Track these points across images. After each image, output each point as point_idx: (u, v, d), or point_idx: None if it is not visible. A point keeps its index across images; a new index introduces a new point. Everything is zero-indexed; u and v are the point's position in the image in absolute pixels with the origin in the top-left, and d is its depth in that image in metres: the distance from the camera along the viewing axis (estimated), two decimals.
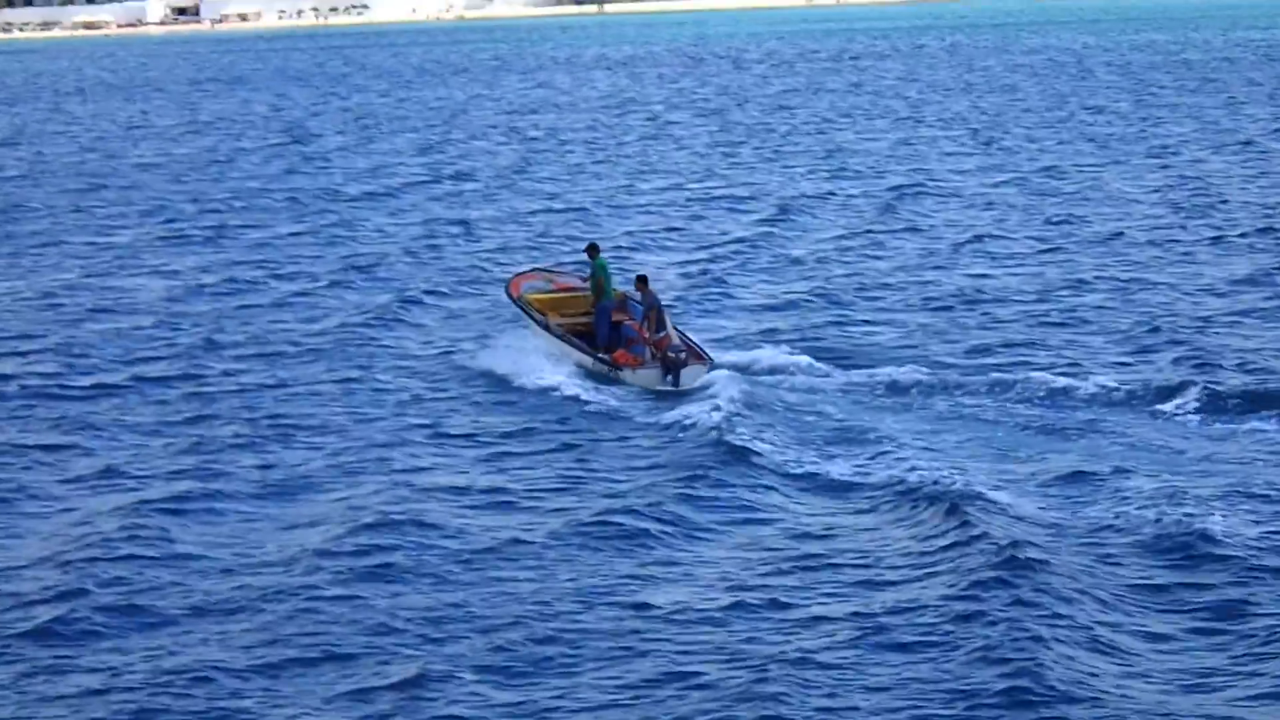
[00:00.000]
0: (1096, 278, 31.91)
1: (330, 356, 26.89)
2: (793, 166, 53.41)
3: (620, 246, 37.02)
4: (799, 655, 14.09)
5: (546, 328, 25.45)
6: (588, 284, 26.25)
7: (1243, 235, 36.30)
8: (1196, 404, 21.89)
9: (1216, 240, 35.89)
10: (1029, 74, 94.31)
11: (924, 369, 24.15)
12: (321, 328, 29.35)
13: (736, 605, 15.40)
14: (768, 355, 25.23)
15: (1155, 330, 26.86)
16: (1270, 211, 39.36)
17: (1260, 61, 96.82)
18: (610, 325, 25.03)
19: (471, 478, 19.90)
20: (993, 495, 18.08)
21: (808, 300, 30.75)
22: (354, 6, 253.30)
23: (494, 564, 16.74)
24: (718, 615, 15.17)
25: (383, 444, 21.38)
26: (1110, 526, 17.22)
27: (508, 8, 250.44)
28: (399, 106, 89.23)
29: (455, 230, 41.69)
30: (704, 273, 33.91)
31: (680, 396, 22.96)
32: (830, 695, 13.39)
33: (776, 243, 38.08)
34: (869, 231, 38.99)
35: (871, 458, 19.89)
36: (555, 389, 23.74)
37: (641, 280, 25.03)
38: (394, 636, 14.84)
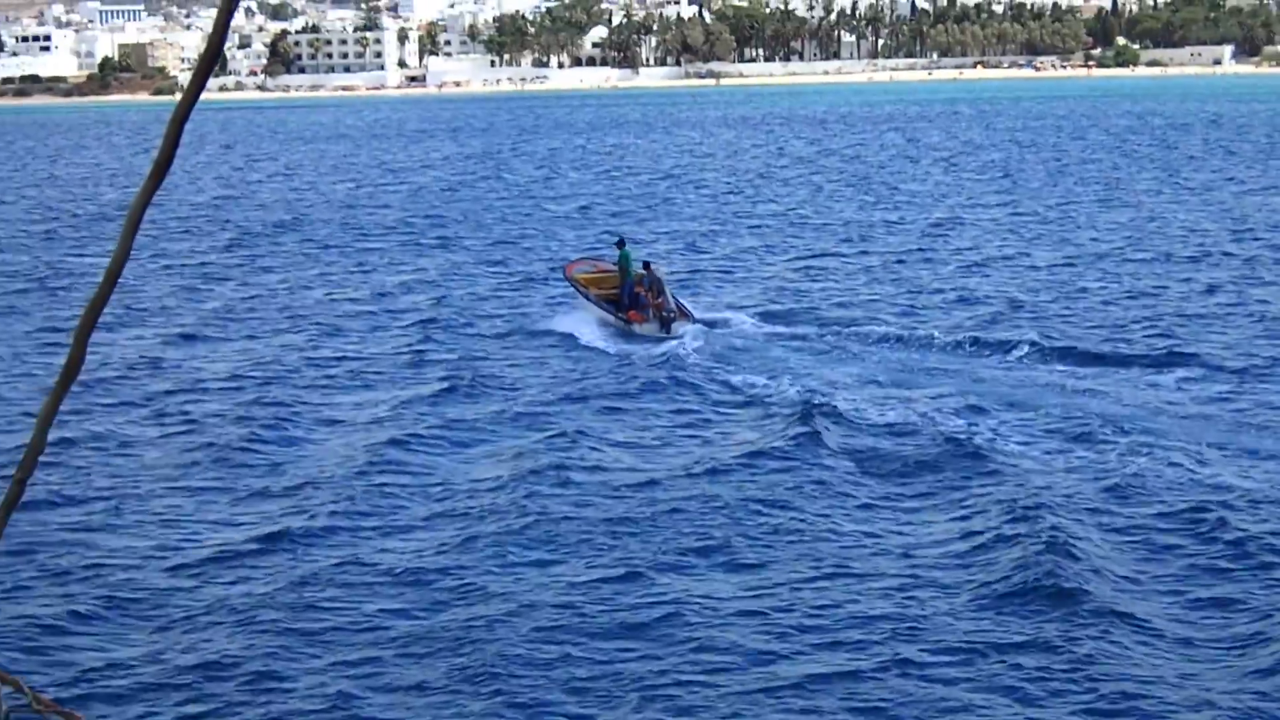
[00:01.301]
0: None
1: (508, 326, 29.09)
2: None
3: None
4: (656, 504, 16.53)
5: (588, 297, 28.33)
6: (617, 267, 28.84)
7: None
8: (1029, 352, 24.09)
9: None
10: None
11: (855, 329, 26.71)
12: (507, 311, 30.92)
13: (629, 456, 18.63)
14: (736, 316, 28.25)
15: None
16: None
17: None
18: (632, 295, 27.86)
19: (524, 375, 23.76)
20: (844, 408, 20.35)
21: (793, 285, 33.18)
22: (538, 77, 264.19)
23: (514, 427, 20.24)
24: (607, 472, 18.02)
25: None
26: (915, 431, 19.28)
27: (649, 80, 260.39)
28: (613, 148, 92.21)
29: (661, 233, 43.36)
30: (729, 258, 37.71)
31: (670, 341, 26.13)
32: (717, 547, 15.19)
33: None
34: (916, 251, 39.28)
35: (779, 381, 22.19)
36: (589, 336, 27.04)
37: (646, 265, 28.12)
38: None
